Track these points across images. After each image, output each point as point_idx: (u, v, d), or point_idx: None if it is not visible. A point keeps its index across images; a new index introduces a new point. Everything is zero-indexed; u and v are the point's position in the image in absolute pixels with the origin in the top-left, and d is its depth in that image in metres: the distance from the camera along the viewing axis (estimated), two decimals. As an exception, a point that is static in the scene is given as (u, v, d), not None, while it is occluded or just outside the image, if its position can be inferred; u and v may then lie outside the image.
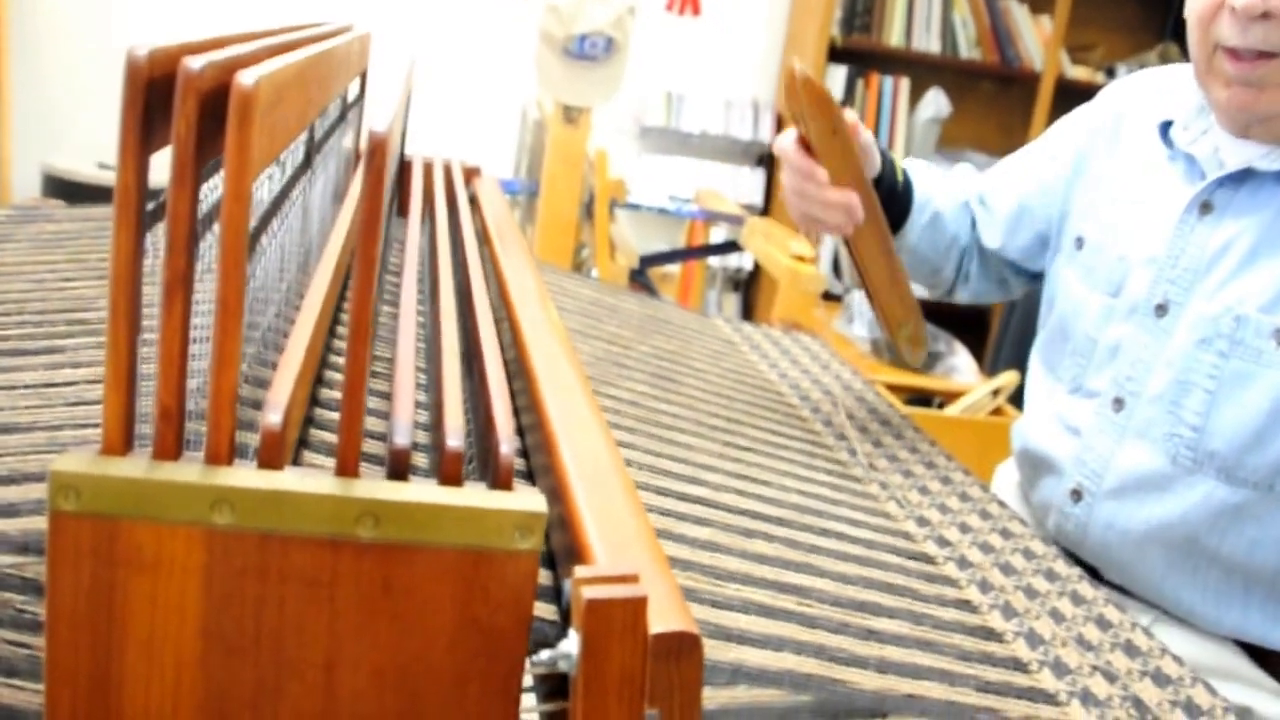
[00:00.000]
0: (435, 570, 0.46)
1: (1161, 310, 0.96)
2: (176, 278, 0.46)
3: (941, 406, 2.20)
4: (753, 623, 0.60)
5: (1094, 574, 0.97)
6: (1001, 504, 0.87)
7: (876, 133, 3.61)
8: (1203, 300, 0.93)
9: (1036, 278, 1.19)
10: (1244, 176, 0.94)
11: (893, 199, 1.09)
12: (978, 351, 3.23)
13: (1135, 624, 0.67)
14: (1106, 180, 1.06)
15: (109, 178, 3.14)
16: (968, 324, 3.28)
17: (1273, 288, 0.90)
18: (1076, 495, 1.00)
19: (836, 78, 3.58)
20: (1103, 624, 0.67)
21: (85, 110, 3.38)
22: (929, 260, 1.17)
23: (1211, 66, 0.93)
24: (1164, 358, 0.95)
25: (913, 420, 1.09)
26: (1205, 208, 0.96)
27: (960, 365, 2.28)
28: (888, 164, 1.09)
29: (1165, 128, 1.02)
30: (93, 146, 3.31)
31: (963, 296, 1.23)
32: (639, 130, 3.66)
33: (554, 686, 0.52)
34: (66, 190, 3.06)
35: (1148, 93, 1.08)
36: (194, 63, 0.44)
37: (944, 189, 1.17)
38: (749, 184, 3.69)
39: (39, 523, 0.57)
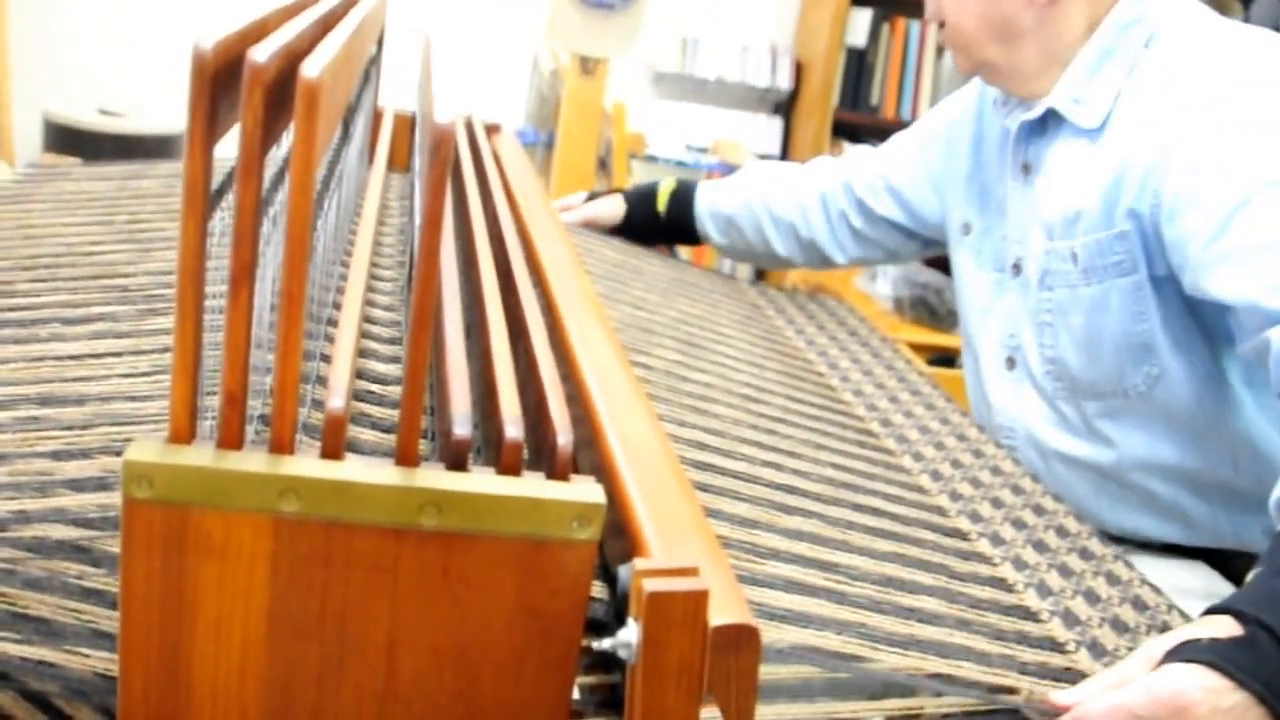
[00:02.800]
0: (495, 558, 0.47)
1: (1017, 269, 1.07)
2: (243, 269, 0.46)
3: (962, 365, 2.20)
4: (794, 601, 0.61)
5: None
6: (1034, 479, 0.88)
7: (901, 79, 3.57)
8: (1034, 248, 1.04)
9: (926, 246, 1.30)
10: (1039, 131, 1.04)
11: (659, 224, 1.38)
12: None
13: (1172, 606, 0.69)
14: (980, 165, 1.15)
15: (111, 124, 3.12)
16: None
17: (1062, 217, 1.00)
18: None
19: (860, 22, 3.51)
20: (1139, 605, 0.68)
21: (85, 56, 3.35)
22: (750, 252, 1.38)
23: None
24: (1027, 309, 1.05)
25: (938, 383, 1.11)
26: (1026, 169, 1.06)
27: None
28: (643, 195, 1.39)
29: (995, 104, 1.13)
30: (93, 92, 3.29)
31: (841, 262, 1.34)
32: (653, 76, 3.63)
33: (595, 658, 0.54)
34: (69, 138, 3.03)
35: None
36: (259, 55, 0.45)
37: (755, 193, 1.34)
38: (766, 132, 3.66)
39: (102, 498, 0.58)
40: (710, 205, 1.37)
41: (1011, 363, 1.08)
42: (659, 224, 1.38)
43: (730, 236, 1.37)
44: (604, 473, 0.57)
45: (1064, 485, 1.05)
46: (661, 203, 1.38)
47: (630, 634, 0.45)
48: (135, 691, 0.49)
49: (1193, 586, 0.99)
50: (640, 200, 1.39)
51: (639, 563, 0.46)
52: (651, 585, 0.44)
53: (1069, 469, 1.05)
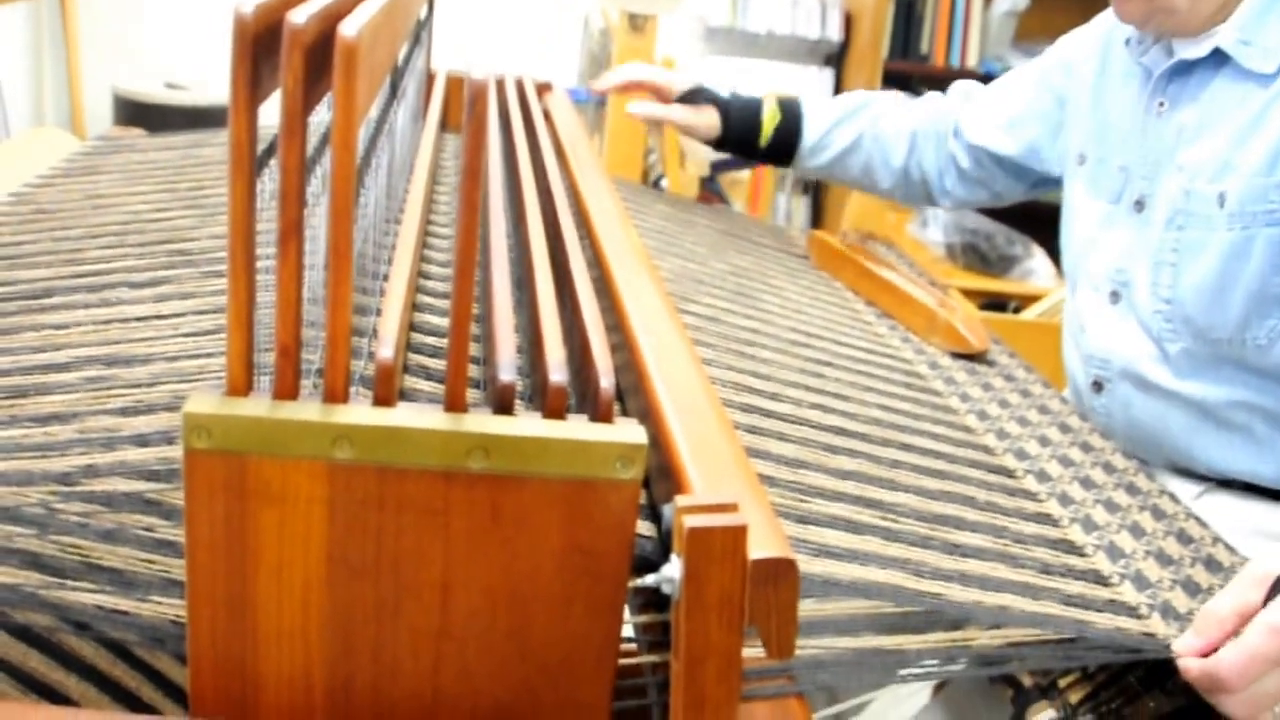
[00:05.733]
0: (542, 499, 0.49)
1: (1140, 205, 1.06)
2: (290, 227, 0.48)
3: (1018, 311, 2.18)
4: (839, 538, 0.62)
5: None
6: (1082, 417, 0.88)
7: (951, 27, 3.52)
8: (1166, 187, 1.02)
9: (1034, 186, 1.30)
10: (1186, 70, 1.02)
11: (755, 153, 1.34)
12: (1055, 255, 3.18)
13: (1217, 538, 0.69)
14: (1101, 98, 1.14)
15: (178, 97, 3.18)
16: (1046, 226, 3.22)
17: (1215, 159, 0.97)
18: (1097, 386, 1.10)
19: (908, -30, 3.47)
20: (1183, 538, 0.68)
21: (151, 32, 3.42)
22: (853, 183, 1.38)
23: None
24: (1145, 247, 1.04)
25: (990, 327, 1.10)
26: (1162, 105, 1.05)
27: (1037, 269, 2.25)
28: (745, 120, 1.32)
29: (1127, 43, 1.11)
30: (159, 66, 3.35)
31: (946, 205, 1.37)
32: (704, 31, 3.60)
33: (648, 598, 0.55)
34: (136, 112, 3.10)
35: None
36: (298, 16, 0.46)
37: (871, 128, 1.33)
38: (817, 84, 3.63)
39: (168, 451, 0.60)
40: (818, 136, 1.34)
41: (1116, 296, 1.08)
42: (756, 152, 1.35)
43: (834, 170, 1.36)
44: (650, 416, 0.58)
45: (1158, 418, 1.05)
46: (764, 137, 1.33)
47: (673, 569, 0.46)
48: (204, 635, 0.51)
49: (1272, 528, 0.98)
50: (741, 124, 1.33)
51: (681, 500, 0.47)
52: (692, 521, 0.45)
53: (1168, 404, 1.04)
